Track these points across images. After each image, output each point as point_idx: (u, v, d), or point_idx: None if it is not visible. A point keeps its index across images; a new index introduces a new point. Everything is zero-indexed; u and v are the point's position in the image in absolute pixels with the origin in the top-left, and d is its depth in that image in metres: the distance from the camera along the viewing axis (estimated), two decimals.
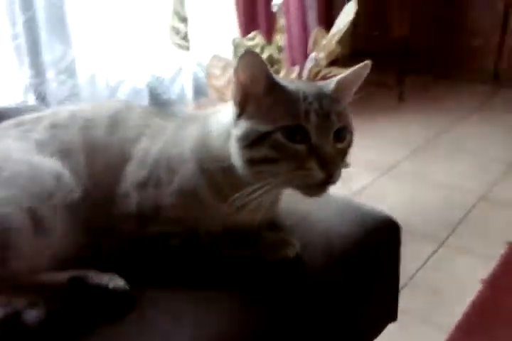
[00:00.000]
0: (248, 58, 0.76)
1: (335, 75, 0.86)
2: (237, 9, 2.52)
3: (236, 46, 1.84)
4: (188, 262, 0.87)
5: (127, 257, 0.86)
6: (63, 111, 0.97)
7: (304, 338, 0.89)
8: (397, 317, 1.15)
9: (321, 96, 0.79)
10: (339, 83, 0.83)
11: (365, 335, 1.11)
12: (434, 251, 1.95)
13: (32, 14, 1.85)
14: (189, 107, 2.36)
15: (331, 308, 0.95)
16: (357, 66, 0.83)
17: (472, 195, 2.35)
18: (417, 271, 1.83)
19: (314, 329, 0.91)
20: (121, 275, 0.81)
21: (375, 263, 1.05)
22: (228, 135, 0.81)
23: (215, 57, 1.83)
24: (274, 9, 1.92)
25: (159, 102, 2.31)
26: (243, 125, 0.79)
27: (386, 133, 2.86)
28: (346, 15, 1.87)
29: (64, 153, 0.88)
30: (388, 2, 3.46)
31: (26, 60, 1.88)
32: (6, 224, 0.76)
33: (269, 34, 2.13)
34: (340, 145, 0.79)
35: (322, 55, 1.89)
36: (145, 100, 2.23)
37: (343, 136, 0.80)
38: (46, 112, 0.98)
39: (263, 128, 0.76)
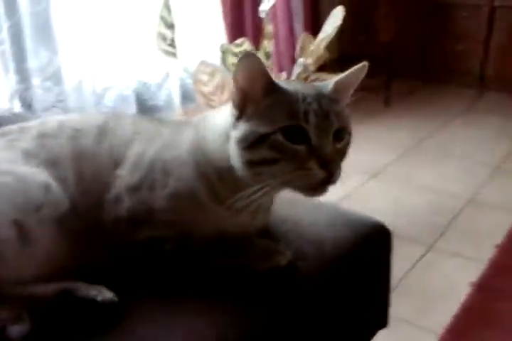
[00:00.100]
0: (247, 60, 0.76)
1: (324, 80, 0.87)
2: (224, 15, 2.52)
3: (224, 52, 1.84)
4: (178, 270, 0.86)
5: (117, 267, 0.85)
6: (51, 120, 0.96)
7: None
8: (387, 323, 1.15)
9: (319, 97, 0.79)
10: (337, 84, 0.83)
11: None
12: (423, 255, 1.96)
13: (17, 20, 1.83)
14: (176, 113, 2.36)
15: (322, 315, 0.95)
16: (354, 67, 0.84)
17: (459, 198, 2.36)
18: (406, 274, 1.84)
19: (305, 336, 0.91)
20: (111, 286, 0.80)
21: (366, 269, 1.05)
22: (226, 137, 0.81)
23: (202, 63, 1.83)
24: (262, 15, 1.93)
25: (146, 108, 2.30)
26: (242, 127, 0.79)
27: (373, 138, 2.87)
28: (333, 20, 1.88)
29: (52, 163, 0.86)
30: (373, 8, 3.49)
31: (11, 66, 1.87)
32: None
33: (256, 40, 2.13)
34: (339, 146, 0.80)
35: (310, 60, 1.90)
36: (132, 106, 2.22)
37: (342, 136, 0.80)
38: (33, 122, 0.97)
39: (263, 129, 0.77)
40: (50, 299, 0.78)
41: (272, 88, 0.79)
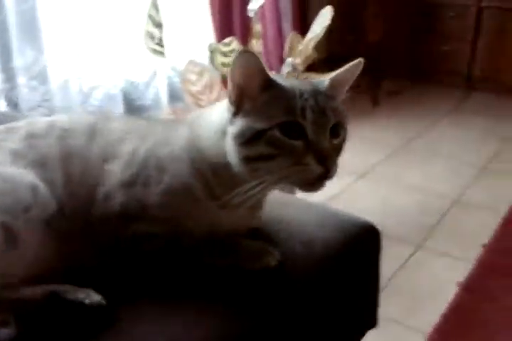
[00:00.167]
0: (244, 57, 0.76)
1: None
2: (213, 14, 2.51)
3: (212, 51, 1.84)
4: (168, 269, 0.85)
5: (106, 267, 0.84)
6: (40, 121, 0.95)
7: None
8: (377, 323, 1.15)
9: (316, 93, 0.80)
10: (333, 81, 0.84)
11: None
12: (411, 255, 1.96)
13: (3, 18, 1.82)
14: (164, 112, 2.34)
15: (312, 315, 0.94)
16: (349, 64, 0.85)
17: (446, 198, 2.37)
18: (394, 274, 1.84)
19: (295, 336, 0.90)
20: (99, 289, 0.79)
21: (355, 269, 1.05)
22: (221, 134, 0.81)
23: (190, 62, 1.83)
24: (251, 15, 1.92)
25: (134, 108, 2.28)
26: (239, 123, 0.79)
27: (361, 137, 2.86)
28: (322, 20, 1.88)
29: (40, 164, 0.85)
30: (362, 8, 3.49)
31: None
32: None
33: (244, 39, 2.13)
34: (335, 142, 0.80)
35: (298, 60, 1.90)
36: (119, 106, 2.20)
37: (338, 132, 0.81)
38: (21, 122, 0.96)
39: (260, 125, 0.77)
40: (38, 302, 0.77)
41: (268, 84, 0.79)
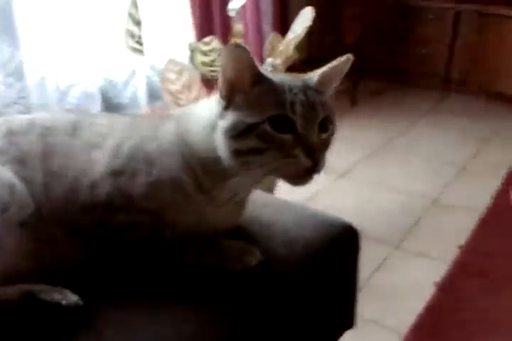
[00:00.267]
0: (235, 52, 0.77)
1: None
2: (193, 13, 2.50)
3: (192, 51, 1.83)
4: (149, 267, 0.85)
5: (85, 265, 0.83)
6: (19, 118, 0.94)
7: None
8: (354, 323, 1.16)
9: (305, 87, 0.81)
10: (322, 76, 0.85)
11: None
12: (388, 255, 1.97)
13: None
14: (142, 111, 2.32)
15: (291, 315, 0.94)
16: (338, 60, 0.86)
17: (425, 198, 2.39)
18: (372, 274, 1.85)
19: (273, 336, 0.90)
20: (76, 289, 0.78)
21: (335, 270, 1.05)
22: (210, 129, 0.82)
23: (170, 61, 1.81)
24: (232, 14, 1.91)
25: (112, 106, 2.25)
26: (230, 116, 0.80)
27: (340, 137, 2.85)
28: (302, 20, 1.88)
29: (20, 160, 0.84)
30: (339, 9, 3.50)
31: None
32: None
33: (224, 39, 2.12)
34: (324, 136, 0.81)
35: (279, 60, 1.89)
36: (97, 104, 2.17)
37: (326, 126, 0.82)
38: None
39: (250, 119, 0.78)
40: (13, 302, 0.75)
41: (259, 79, 0.80)
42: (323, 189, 2.39)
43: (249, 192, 0.92)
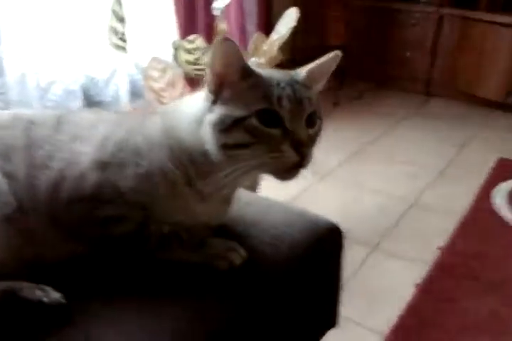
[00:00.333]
0: (224, 46, 0.77)
1: None
2: (176, 12, 2.49)
3: (176, 49, 1.81)
4: (134, 264, 0.84)
5: (68, 262, 0.82)
6: (3, 113, 0.93)
7: None
8: (337, 323, 1.16)
9: (293, 82, 0.81)
10: (310, 72, 0.85)
11: None
12: (368, 256, 1.98)
13: None
14: (124, 109, 2.30)
15: (275, 314, 0.94)
16: (326, 56, 0.86)
17: (405, 200, 2.41)
18: (352, 275, 1.85)
19: (257, 336, 0.90)
20: (62, 286, 0.77)
21: (319, 269, 1.05)
22: (198, 123, 0.82)
23: (154, 59, 1.80)
24: (216, 13, 1.90)
25: (93, 104, 2.23)
26: (218, 110, 0.80)
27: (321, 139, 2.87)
28: (287, 21, 1.88)
29: (3, 156, 0.83)
30: (324, 11, 3.51)
31: None
32: None
33: (208, 37, 2.11)
34: (311, 131, 0.81)
35: (263, 60, 1.89)
36: (78, 102, 2.15)
37: (313, 121, 0.82)
38: None
39: (238, 113, 0.78)
40: None
41: (247, 73, 0.80)
42: (303, 190, 2.40)
43: (235, 187, 0.92)
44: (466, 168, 2.73)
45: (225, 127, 0.78)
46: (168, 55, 1.92)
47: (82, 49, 2.15)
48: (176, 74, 1.79)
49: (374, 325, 1.62)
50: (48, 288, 0.76)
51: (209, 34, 2.30)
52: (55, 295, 0.76)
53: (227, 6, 2.68)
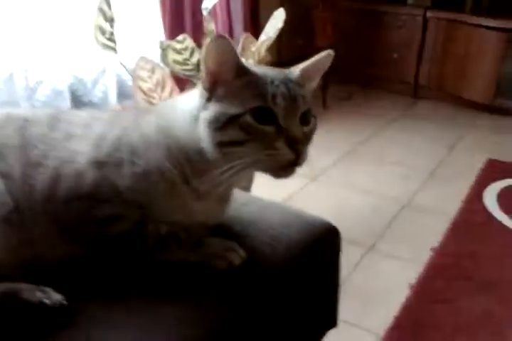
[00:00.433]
0: (218, 43, 0.77)
1: None
2: (163, 12, 2.47)
3: (164, 49, 1.79)
4: (132, 264, 0.83)
5: (67, 262, 0.81)
6: None
7: None
8: (337, 323, 1.15)
9: (287, 80, 0.82)
10: (303, 70, 0.86)
11: None
12: (362, 257, 1.97)
13: None
14: (112, 109, 2.27)
15: (275, 315, 0.93)
16: (319, 55, 0.87)
17: (397, 201, 2.41)
18: (347, 276, 1.84)
19: (257, 336, 0.89)
20: (60, 287, 0.76)
21: (317, 269, 1.05)
22: (193, 121, 0.82)
23: (142, 58, 1.78)
24: (205, 13, 1.88)
25: (81, 104, 2.21)
26: (213, 108, 0.80)
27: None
28: (275, 22, 1.87)
29: None
30: (311, 12, 3.51)
31: None
32: None
33: (195, 38, 2.09)
34: (306, 129, 0.82)
35: (251, 61, 1.87)
36: (66, 102, 2.12)
37: (308, 119, 0.82)
38: None
39: (233, 110, 0.78)
40: None
41: (242, 70, 0.80)
42: (296, 191, 2.39)
43: (231, 186, 0.91)
44: (456, 169, 2.74)
45: (219, 125, 0.78)
46: (154, 55, 1.90)
47: (70, 48, 2.13)
48: (164, 74, 1.77)
49: (370, 326, 1.61)
50: (49, 289, 0.75)
51: (196, 34, 2.29)
52: (56, 297, 0.75)
53: (214, 7, 2.68)
